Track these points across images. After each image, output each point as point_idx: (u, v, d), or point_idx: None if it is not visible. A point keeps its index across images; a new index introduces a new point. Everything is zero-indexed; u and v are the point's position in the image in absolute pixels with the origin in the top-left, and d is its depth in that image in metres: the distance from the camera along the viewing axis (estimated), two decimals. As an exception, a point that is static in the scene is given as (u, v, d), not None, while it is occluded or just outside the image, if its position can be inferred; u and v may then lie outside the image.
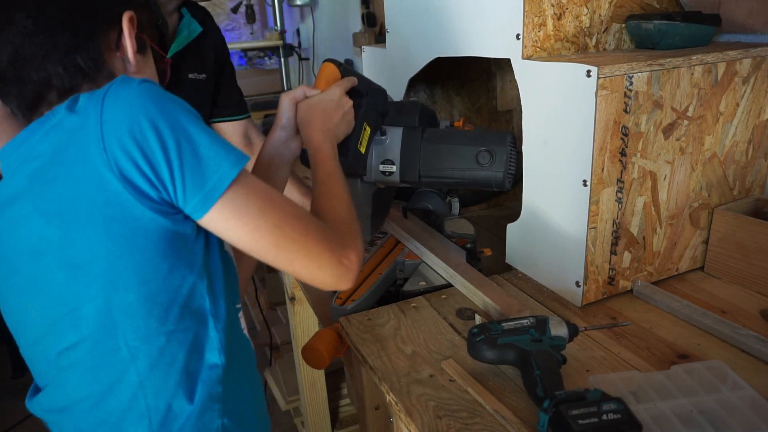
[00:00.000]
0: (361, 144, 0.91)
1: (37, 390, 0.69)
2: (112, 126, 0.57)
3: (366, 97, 0.92)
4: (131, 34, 0.68)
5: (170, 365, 0.63)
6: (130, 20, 0.68)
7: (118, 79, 0.61)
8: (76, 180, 0.58)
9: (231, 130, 1.40)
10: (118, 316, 0.61)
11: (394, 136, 0.95)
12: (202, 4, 1.31)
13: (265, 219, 0.62)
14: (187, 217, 0.61)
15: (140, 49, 0.71)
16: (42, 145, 0.61)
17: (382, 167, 0.95)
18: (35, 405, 0.69)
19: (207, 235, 0.65)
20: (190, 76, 1.30)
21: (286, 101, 0.86)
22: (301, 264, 0.64)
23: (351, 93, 0.90)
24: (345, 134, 0.87)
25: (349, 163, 0.89)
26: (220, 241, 0.67)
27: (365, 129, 0.92)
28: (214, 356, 0.66)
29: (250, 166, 0.68)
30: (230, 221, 0.61)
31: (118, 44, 0.68)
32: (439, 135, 0.94)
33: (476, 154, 0.91)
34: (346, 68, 0.91)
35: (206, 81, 1.33)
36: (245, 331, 0.74)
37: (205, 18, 1.31)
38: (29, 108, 0.65)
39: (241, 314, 0.73)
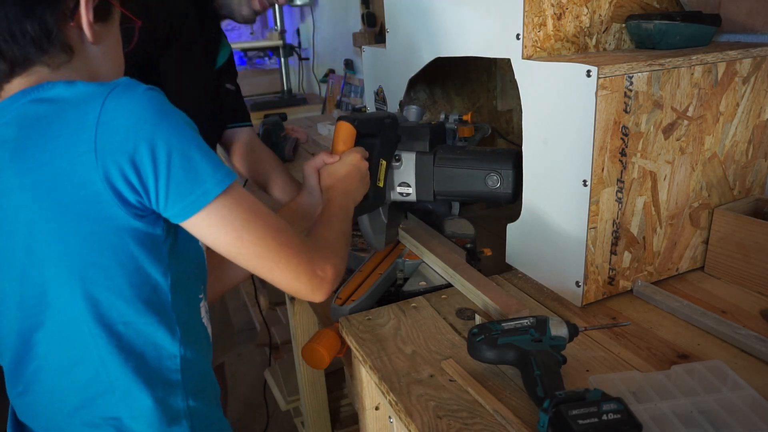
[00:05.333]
0: (379, 180, 0.98)
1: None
2: (108, 133, 0.58)
3: (378, 135, 0.97)
4: (87, 3, 0.65)
5: (129, 352, 0.66)
6: None
7: (122, 81, 0.61)
8: (59, 171, 0.59)
9: (244, 135, 1.46)
10: (82, 304, 0.63)
11: (408, 161, 1.02)
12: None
13: (249, 231, 0.66)
14: (158, 218, 0.64)
15: (102, 17, 0.68)
16: (27, 112, 0.61)
17: (399, 189, 1.03)
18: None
19: (175, 234, 0.68)
20: (227, 86, 1.42)
21: (308, 170, 0.93)
22: (280, 274, 0.69)
23: (364, 137, 0.95)
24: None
25: (371, 201, 0.96)
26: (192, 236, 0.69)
27: (381, 164, 0.98)
28: (174, 348, 0.69)
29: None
30: (213, 228, 0.64)
31: (74, 14, 0.65)
32: (450, 158, 1.00)
33: (485, 177, 0.97)
34: (361, 121, 0.95)
35: (236, 92, 1.46)
36: (204, 320, 0.77)
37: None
38: None
39: (202, 303, 0.77)
